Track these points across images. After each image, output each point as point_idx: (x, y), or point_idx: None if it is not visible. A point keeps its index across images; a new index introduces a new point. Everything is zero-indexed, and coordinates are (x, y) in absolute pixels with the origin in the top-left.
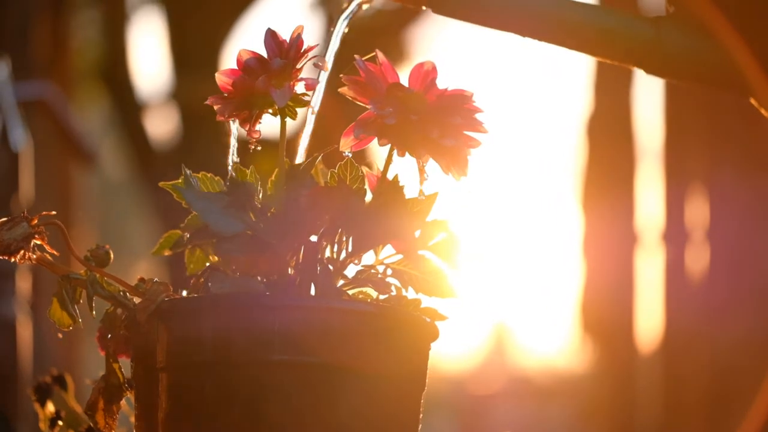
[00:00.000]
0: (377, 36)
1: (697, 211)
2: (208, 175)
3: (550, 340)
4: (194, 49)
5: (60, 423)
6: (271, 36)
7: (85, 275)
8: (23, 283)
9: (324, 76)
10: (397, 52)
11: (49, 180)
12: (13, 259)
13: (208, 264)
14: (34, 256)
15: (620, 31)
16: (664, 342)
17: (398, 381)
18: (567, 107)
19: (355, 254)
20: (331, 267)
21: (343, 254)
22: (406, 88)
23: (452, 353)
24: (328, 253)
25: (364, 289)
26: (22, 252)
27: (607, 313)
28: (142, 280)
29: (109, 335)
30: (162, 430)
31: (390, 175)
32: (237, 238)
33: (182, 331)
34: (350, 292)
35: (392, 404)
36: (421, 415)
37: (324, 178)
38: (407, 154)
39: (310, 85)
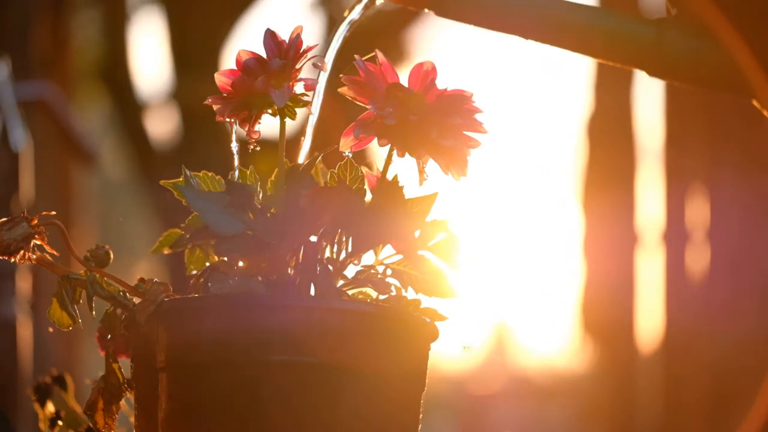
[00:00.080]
0: (377, 36)
1: (698, 211)
2: (209, 174)
3: (551, 340)
4: (194, 49)
5: (60, 423)
6: (270, 36)
7: (85, 275)
8: (23, 284)
9: (324, 77)
10: (397, 53)
11: (49, 180)
12: (12, 260)
13: (208, 264)
14: (34, 257)
15: (622, 34)
16: (665, 342)
17: (398, 381)
18: (567, 107)
19: (355, 254)
20: (330, 267)
21: (343, 254)
22: (406, 88)
23: (452, 353)
24: (327, 254)
25: (363, 290)
26: (21, 252)
27: (607, 313)
28: (141, 280)
29: (109, 335)
30: (162, 430)
31: (390, 176)
32: (237, 238)
33: (182, 331)
34: (350, 292)
35: (392, 404)
36: (421, 416)
37: (324, 179)
38: (407, 154)
39: (310, 86)
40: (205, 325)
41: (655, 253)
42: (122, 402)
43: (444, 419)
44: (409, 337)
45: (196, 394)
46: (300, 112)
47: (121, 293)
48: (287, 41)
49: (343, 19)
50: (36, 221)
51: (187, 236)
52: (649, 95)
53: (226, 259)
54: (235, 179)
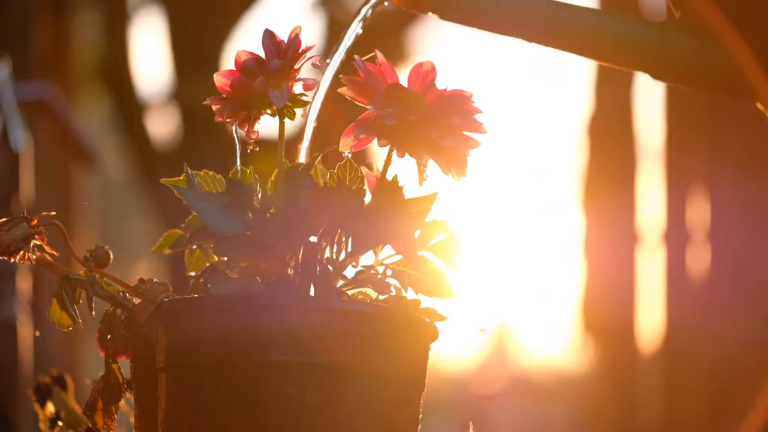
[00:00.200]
0: (377, 36)
1: (698, 212)
2: (210, 173)
3: (552, 340)
4: (195, 49)
5: (60, 423)
6: (268, 36)
7: (85, 276)
8: (23, 284)
9: (328, 78)
10: (397, 53)
11: (49, 180)
12: (12, 260)
13: (207, 264)
14: (34, 257)
15: (626, 37)
16: (665, 342)
17: (398, 381)
18: (568, 107)
19: (355, 255)
20: (330, 267)
21: (343, 255)
22: (406, 88)
23: (453, 353)
24: (327, 254)
25: (363, 290)
26: (21, 252)
27: (608, 314)
28: (141, 280)
29: (109, 336)
30: (161, 430)
31: (389, 176)
32: (236, 238)
33: (182, 331)
34: (350, 292)
35: (392, 405)
36: (421, 416)
37: (323, 179)
38: (407, 154)
39: (309, 86)
40: (204, 325)
41: (656, 253)
42: (122, 402)
43: (444, 419)
44: (409, 337)
45: (195, 395)
46: (300, 112)
47: (121, 293)
48: (286, 41)
49: (349, 22)
50: (36, 221)
51: (187, 236)
52: (649, 95)
53: (225, 259)
54: (237, 176)
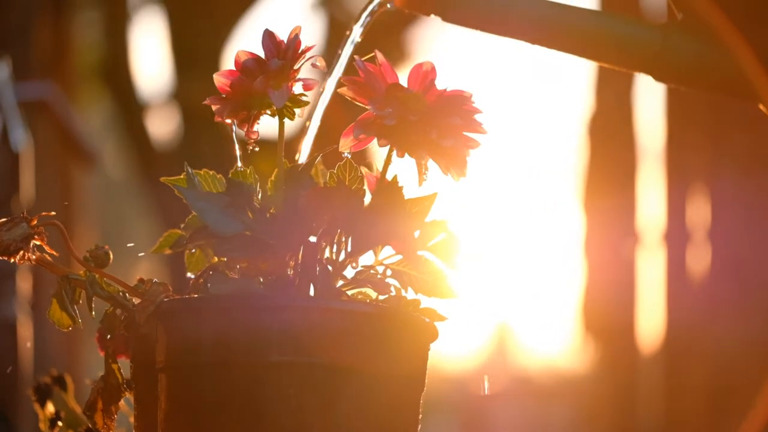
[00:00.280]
0: (377, 36)
1: (699, 211)
2: (210, 172)
3: (552, 340)
4: (196, 49)
5: (60, 423)
6: (268, 37)
7: (85, 276)
8: (23, 284)
9: (335, 77)
10: (397, 53)
11: (49, 180)
12: (12, 260)
13: (207, 264)
14: (34, 257)
15: (628, 39)
16: (666, 342)
17: (397, 381)
18: (568, 107)
19: (355, 255)
20: (330, 267)
21: (343, 255)
22: (406, 88)
23: (454, 353)
24: (327, 254)
25: (363, 290)
26: (21, 252)
27: (608, 314)
28: (141, 280)
29: (109, 336)
30: (161, 430)
31: (389, 176)
32: (236, 238)
33: (181, 331)
34: (349, 292)
35: (391, 405)
36: (421, 416)
37: (323, 179)
38: (406, 154)
39: (308, 86)
40: (204, 325)
41: (656, 253)
42: (122, 402)
43: (445, 419)
44: (409, 337)
45: (195, 395)
46: (299, 112)
47: (121, 294)
48: (286, 41)
49: (353, 24)
50: (36, 221)
51: (187, 236)
52: (650, 95)
53: (225, 259)
54: (237, 174)
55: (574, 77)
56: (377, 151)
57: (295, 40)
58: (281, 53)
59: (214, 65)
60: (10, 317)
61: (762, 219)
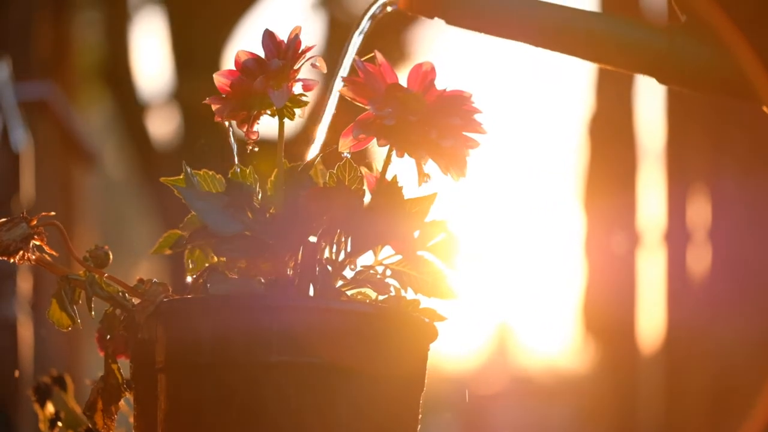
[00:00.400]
0: (377, 37)
1: (699, 212)
2: (209, 172)
3: (552, 340)
4: (196, 49)
5: (59, 423)
6: (268, 37)
7: (85, 276)
8: (23, 284)
9: (341, 76)
10: (397, 53)
11: (49, 180)
12: (12, 260)
13: (207, 264)
14: (34, 257)
15: (632, 41)
16: (666, 342)
17: (397, 382)
18: (569, 107)
19: (354, 255)
20: (329, 268)
21: (342, 255)
22: (405, 88)
23: (454, 353)
24: (327, 254)
25: (363, 290)
26: (21, 253)
27: (609, 314)
28: (141, 280)
29: (108, 336)
30: (161, 430)
31: (389, 176)
32: (236, 238)
33: (181, 331)
34: (349, 292)
35: (391, 405)
36: (421, 416)
37: (323, 179)
38: (406, 154)
39: (308, 86)
40: (204, 325)
41: (657, 253)
42: (122, 402)
43: (446, 419)
44: (409, 337)
45: (195, 395)
46: (299, 112)
47: (121, 294)
48: (286, 41)
49: (356, 24)
50: (35, 222)
51: (186, 236)
52: (650, 95)
53: (225, 259)
54: (237, 174)
55: (575, 77)
56: (377, 151)
57: (295, 40)
58: (281, 53)
59: (214, 65)
60: (10, 317)
61: (763, 219)
